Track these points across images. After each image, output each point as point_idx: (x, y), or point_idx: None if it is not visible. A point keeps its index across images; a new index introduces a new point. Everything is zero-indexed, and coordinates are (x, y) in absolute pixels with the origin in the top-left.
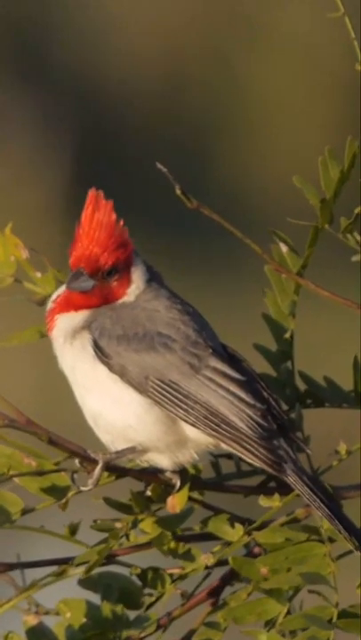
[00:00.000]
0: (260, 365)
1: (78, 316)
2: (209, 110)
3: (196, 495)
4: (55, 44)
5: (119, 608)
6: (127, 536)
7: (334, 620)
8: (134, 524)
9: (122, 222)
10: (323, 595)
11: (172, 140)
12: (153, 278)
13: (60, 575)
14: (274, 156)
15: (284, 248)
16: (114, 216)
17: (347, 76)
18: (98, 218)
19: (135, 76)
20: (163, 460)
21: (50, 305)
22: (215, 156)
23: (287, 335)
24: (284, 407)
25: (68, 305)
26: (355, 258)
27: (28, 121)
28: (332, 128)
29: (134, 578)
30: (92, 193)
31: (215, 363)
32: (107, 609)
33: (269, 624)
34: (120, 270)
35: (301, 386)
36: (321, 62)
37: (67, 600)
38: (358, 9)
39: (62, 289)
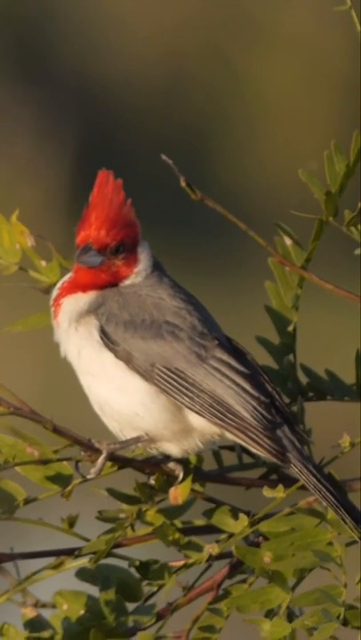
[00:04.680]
0: (262, 358)
1: (84, 299)
2: (209, 109)
3: (197, 487)
4: (56, 44)
5: (117, 598)
6: (132, 526)
7: (343, 599)
8: (138, 515)
9: (130, 202)
10: (333, 571)
11: (172, 138)
12: (156, 265)
13: (57, 567)
14: (274, 155)
15: (288, 241)
16: (122, 195)
17: (347, 75)
18: (107, 196)
19: (135, 76)
20: (170, 448)
21: (55, 292)
22: (215, 155)
23: (290, 328)
24: (286, 400)
25: (74, 286)
26: (358, 251)
27: (28, 120)
28: (332, 127)
29: (133, 570)
30: (102, 172)
31: (221, 354)
32: (105, 598)
33: (271, 613)
34: (127, 249)
35: (303, 379)
36: (321, 62)
37: (63, 592)
38: (359, 7)
39: (67, 276)
